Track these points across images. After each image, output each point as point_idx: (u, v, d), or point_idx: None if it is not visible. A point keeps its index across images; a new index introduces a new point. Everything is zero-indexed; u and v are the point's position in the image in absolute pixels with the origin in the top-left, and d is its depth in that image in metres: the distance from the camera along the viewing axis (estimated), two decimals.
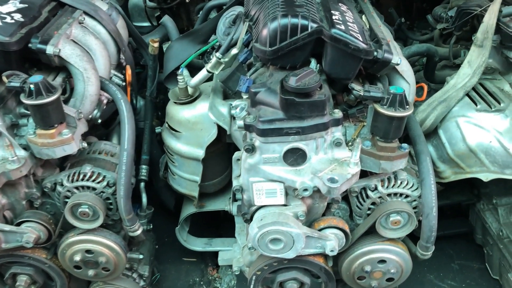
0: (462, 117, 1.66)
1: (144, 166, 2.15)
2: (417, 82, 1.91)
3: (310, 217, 1.61)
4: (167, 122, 1.86)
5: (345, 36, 1.36)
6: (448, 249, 2.36)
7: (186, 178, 1.93)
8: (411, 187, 1.54)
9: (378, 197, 1.55)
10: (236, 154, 1.57)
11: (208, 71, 1.62)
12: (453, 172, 1.76)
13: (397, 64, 1.45)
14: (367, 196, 1.56)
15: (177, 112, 1.80)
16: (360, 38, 1.38)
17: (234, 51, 1.58)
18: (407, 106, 1.37)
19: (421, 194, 1.51)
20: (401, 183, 1.53)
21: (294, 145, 1.39)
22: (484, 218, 2.04)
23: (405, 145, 1.45)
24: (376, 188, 1.54)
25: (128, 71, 1.84)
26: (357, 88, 1.42)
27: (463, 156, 1.67)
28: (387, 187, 1.53)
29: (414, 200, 1.55)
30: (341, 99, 1.60)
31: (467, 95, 1.71)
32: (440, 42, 2.19)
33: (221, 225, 2.49)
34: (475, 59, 1.71)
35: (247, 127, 1.41)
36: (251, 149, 1.43)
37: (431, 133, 1.77)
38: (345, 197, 1.61)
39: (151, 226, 2.18)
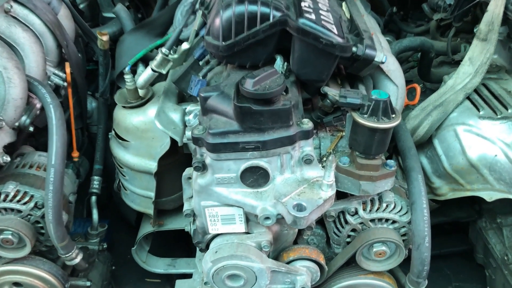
0: (462, 125, 1.40)
1: (96, 178, 1.91)
2: (409, 82, 1.65)
3: (278, 245, 1.36)
4: (114, 129, 1.60)
5: (315, 28, 1.10)
6: (445, 269, 2.13)
7: (139, 194, 1.68)
8: (399, 211, 1.28)
9: (359, 223, 1.29)
10: (186, 171, 1.31)
11: (153, 70, 1.35)
12: (450, 189, 1.50)
13: (382, 63, 1.19)
14: (346, 222, 1.30)
15: (124, 118, 1.54)
16: (335, 31, 1.12)
17: (184, 46, 1.32)
18: (393, 115, 1.12)
19: (411, 220, 1.25)
20: (387, 206, 1.28)
21: (253, 163, 1.14)
22: (486, 238, 1.79)
23: (391, 162, 1.20)
24: (356, 212, 1.28)
25: (67, 69, 1.58)
26: (332, 93, 1.16)
27: (462, 172, 1.42)
28: (369, 211, 1.28)
29: (403, 227, 1.30)
30: (317, 104, 1.34)
31: (468, 98, 1.46)
32: (437, 35, 1.93)
33: (191, 241, 2.24)
34: (478, 55, 1.45)
35: (196, 141, 1.15)
36: (202, 167, 1.18)
37: (425, 143, 1.51)
38: (322, 220, 1.35)
39: (105, 246, 1.94)
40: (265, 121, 1.10)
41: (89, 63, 2.01)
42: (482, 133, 1.38)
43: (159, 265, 2.00)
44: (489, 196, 1.41)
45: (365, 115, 1.12)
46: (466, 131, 1.39)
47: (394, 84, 1.28)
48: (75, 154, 1.79)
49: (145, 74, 1.41)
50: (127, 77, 1.50)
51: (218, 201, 1.22)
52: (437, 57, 2.00)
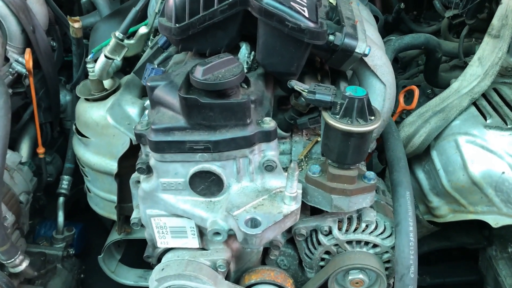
0: (465, 135, 1.20)
1: (66, 177, 1.78)
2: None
3: (240, 265, 1.18)
4: (74, 124, 1.46)
5: (280, 8, 0.93)
6: None
7: (102, 197, 1.53)
8: (381, 234, 1.09)
9: (334, 245, 1.11)
10: (135, 174, 1.15)
11: (106, 56, 1.20)
12: (450, 210, 1.30)
13: (364, 55, 1.01)
14: (319, 242, 1.11)
15: (84, 111, 1.40)
16: (306, 13, 0.95)
17: (142, 30, 1.17)
18: (372, 118, 0.93)
19: (395, 244, 1.05)
20: (367, 226, 1.09)
21: (203, 167, 0.97)
22: (497, 269, 1.56)
23: (370, 174, 1.01)
24: (330, 232, 1.10)
25: (27, 56, 1.44)
26: (300, 87, 0.98)
27: (463, 190, 1.21)
28: (346, 231, 1.09)
29: (386, 252, 1.10)
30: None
31: (474, 104, 1.26)
32: (449, 35, 1.73)
33: None
34: (489, 55, 1.25)
35: (138, 138, 0.99)
36: (145, 170, 1.02)
37: (423, 155, 1.32)
38: (293, 239, 1.17)
39: (72, 252, 1.80)
40: (216, 117, 0.93)
41: (67, 54, 1.88)
42: (488, 145, 1.17)
43: (129, 276, 1.84)
44: (495, 221, 1.21)
45: (337, 116, 0.93)
46: (469, 143, 1.19)
47: (381, 82, 1.09)
48: (40, 150, 1.66)
49: (99, 62, 1.26)
50: (90, 66, 1.36)
51: (165, 210, 1.05)
52: (450, 61, 1.79)
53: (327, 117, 0.95)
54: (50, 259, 1.66)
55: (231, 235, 1.00)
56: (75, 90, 1.78)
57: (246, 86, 1.03)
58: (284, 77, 1.04)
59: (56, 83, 1.71)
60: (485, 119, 1.22)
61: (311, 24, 0.95)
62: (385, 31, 2.01)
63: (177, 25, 1.01)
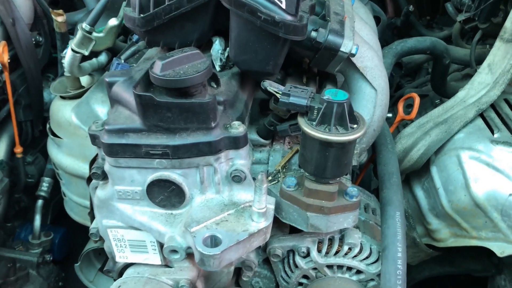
0: (468, 150, 1.07)
1: (46, 179, 1.70)
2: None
3: (210, 286, 1.06)
4: (48, 123, 1.37)
5: None
6: None
7: (77, 202, 1.44)
8: (366, 258, 0.96)
9: (312, 268, 0.98)
10: (94, 180, 1.04)
11: (73, 50, 1.11)
12: (452, 234, 1.17)
13: (351, 55, 0.89)
14: (296, 265, 0.99)
15: (57, 110, 1.32)
16: (283, 5, 0.83)
17: (112, 22, 1.07)
18: (353, 126, 0.81)
19: (381, 272, 0.92)
20: (350, 249, 0.96)
21: (162, 175, 0.87)
22: None
23: (353, 190, 0.89)
24: (308, 254, 0.97)
25: (0, 49, 1.36)
26: (274, 89, 0.87)
27: (465, 213, 1.08)
28: (326, 253, 0.97)
29: (371, 280, 0.97)
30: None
31: (481, 115, 1.12)
32: (461, 41, 1.58)
33: None
34: (500, 61, 1.12)
35: (93, 139, 0.89)
36: (100, 175, 0.92)
37: (423, 171, 1.18)
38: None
39: (50, 258, 1.71)
40: (174, 119, 0.82)
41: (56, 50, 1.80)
42: (494, 162, 1.04)
43: (109, 287, 1.73)
44: (501, 249, 1.07)
45: (314, 123, 0.82)
46: (473, 159, 1.05)
47: (371, 87, 0.97)
48: (18, 149, 1.57)
49: (67, 56, 1.17)
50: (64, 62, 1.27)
51: (122, 221, 0.95)
52: (463, 69, 1.66)
53: (302, 123, 0.83)
54: (22, 266, 1.57)
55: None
56: None
57: (215, 86, 0.92)
58: (259, 77, 0.93)
59: (38, 79, 1.63)
60: (493, 133, 1.08)
61: (288, 17, 0.83)
62: (394, 35, 1.88)
63: (141, 15, 0.91)
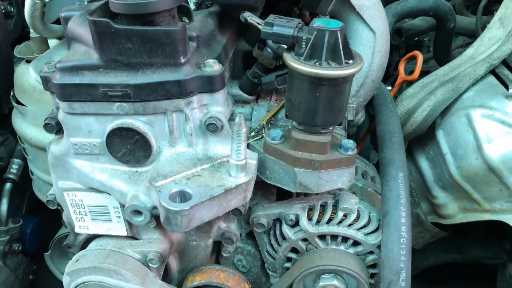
0: (480, 108, 0.94)
1: (16, 161, 1.56)
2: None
3: (185, 263, 0.93)
4: (12, 91, 1.24)
5: None
6: None
7: (44, 180, 1.30)
8: (364, 227, 0.83)
9: (302, 239, 0.85)
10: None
11: None
12: (460, 208, 1.03)
13: None
14: (283, 237, 0.86)
15: (21, 74, 1.19)
16: None
17: None
18: (349, 61, 0.68)
19: (381, 241, 0.79)
20: (345, 216, 0.83)
21: (123, 122, 0.74)
22: None
23: (348, 142, 0.76)
24: (297, 222, 0.84)
25: None
26: (255, 20, 0.74)
27: (476, 179, 0.94)
28: (318, 222, 0.83)
29: (371, 253, 0.84)
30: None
31: (493, 72, 0.99)
32: (465, 11, 1.47)
33: None
34: None
35: (45, 83, 0.76)
36: (54, 127, 0.79)
37: (427, 139, 1.05)
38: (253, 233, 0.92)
39: (19, 248, 1.56)
40: (136, 52, 0.70)
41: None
42: (511, 120, 0.90)
43: None
44: None
45: (301, 58, 0.69)
46: (486, 117, 0.93)
47: (369, 29, 0.84)
48: None
49: (26, 4, 1.04)
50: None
51: (80, 182, 0.82)
52: (467, 45, 1.54)
53: (288, 58, 0.70)
54: None
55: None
56: None
57: (187, 20, 0.79)
58: (240, 12, 0.80)
59: (8, 52, 1.50)
60: (507, 89, 0.95)
61: None
62: None
63: None
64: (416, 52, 1.07)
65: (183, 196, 0.70)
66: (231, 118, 0.82)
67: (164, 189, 0.70)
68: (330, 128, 0.75)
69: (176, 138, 0.76)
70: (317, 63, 0.69)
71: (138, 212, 0.74)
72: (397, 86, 1.11)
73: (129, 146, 0.76)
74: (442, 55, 1.35)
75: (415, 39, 1.69)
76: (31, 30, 1.19)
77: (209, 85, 0.73)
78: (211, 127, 0.75)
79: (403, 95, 1.06)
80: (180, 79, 0.71)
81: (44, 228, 1.83)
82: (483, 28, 1.37)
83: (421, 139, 1.08)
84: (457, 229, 1.20)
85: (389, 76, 1.72)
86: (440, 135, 1.00)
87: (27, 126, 1.22)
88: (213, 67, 0.73)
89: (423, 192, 1.11)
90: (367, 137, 1.22)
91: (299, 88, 0.71)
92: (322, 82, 0.69)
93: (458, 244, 1.34)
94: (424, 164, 1.07)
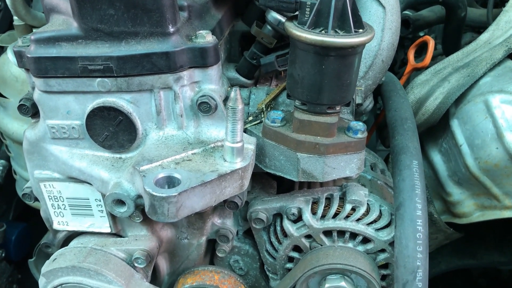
0: (499, 93, 0.86)
1: (1, 161, 1.45)
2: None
3: (176, 264, 0.85)
4: None
5: None
6: None
7: (27, 179, 1.20)
8: (374, 222, 0.75)
9: (305, 236, 0.76)
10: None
11: None
12: (477, 205, 0.95)
13: None
14: (285, 233, 0.77)
15: (2, 64, 1.11)
16: None
17: None
18: (359, 30, 0.61)
19: (395, 237, 0.70)
20: (353, 210, 0.75)
21: (105, 101, 0.66)
22: None
23: (357, 124, 0.68)
24: (300, 217, 0.75)
25: None
26: None
27: (496, 172, 0.86)
28: (323, 216, 0.75)
29: (382, 251, 0.75)
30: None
31: (511, 56, 0.91)
32: (475, 3, 1.40)
33: None
34: None
35: (20, 59, 0.69)
36: (29, 109, 0.71)
37: (440, 130, 0.97)
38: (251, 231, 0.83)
39: (2, 255, 1.47)
40: (119, 19, 0.62)
41: None
42: None
43: None
44: None
45: (305, 26, 0.61)
46: (506, 103, 0.85)
47: (378, 3, 0.77)
48: None
49: None
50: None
51: (57, 170, 0.74)
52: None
53: (290, 27, 0.63)
54: None
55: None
56: None
57: None
58: None
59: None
60: None
61: None
62: None
63: None
64: (427, 37, 1.00)
65: (171, 182, 0.62)
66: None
67: (150, 173, 0.62)
68: (337, 108, 0.67)
69: (164, 120, 0.68)
70: (323, 31, 0.61)
71: (120, 202, 0.66)
72: (407, 75, 1.04)
73: (111, 129, 0.68)
74: (451, 48, 1.27)
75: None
76: (14, 18, 1.12)
77: (201, 58, 0.66)
78: (204, 107, 0.67)
79: (413, 82, 0.98)
80: (168, 50, 0.63)
81: (31, 235, 1.74)
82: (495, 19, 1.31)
83: (433, 130, 1.00)
84: (471, 231, 1.11)
85: (394, 74, 1.65)
86: (455, 124, 0.92)
87: (9, 120, 1.14)
88: (205, 38, 0.66)
89: (436, 189, 1.02)
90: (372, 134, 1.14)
91: (303, 61, 0.64)
92: (328, 53, 0.61)
93: (472, 248, 1.25)
94: (436, 158, 0.99)
